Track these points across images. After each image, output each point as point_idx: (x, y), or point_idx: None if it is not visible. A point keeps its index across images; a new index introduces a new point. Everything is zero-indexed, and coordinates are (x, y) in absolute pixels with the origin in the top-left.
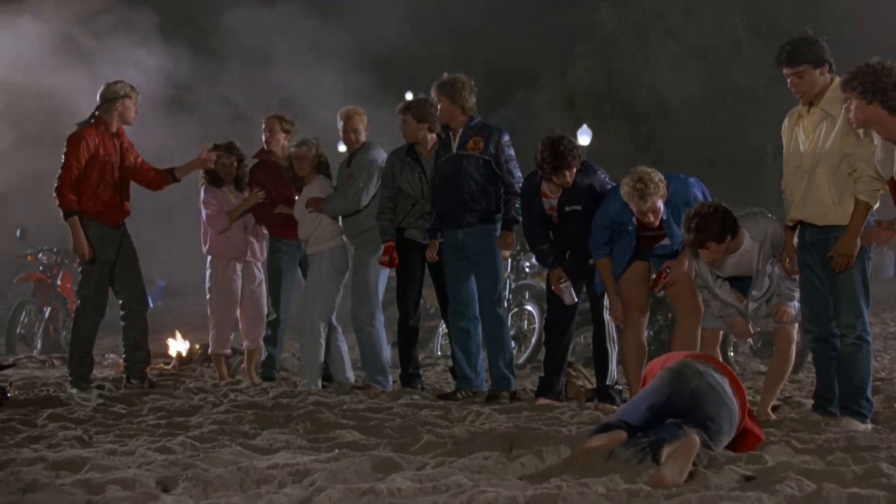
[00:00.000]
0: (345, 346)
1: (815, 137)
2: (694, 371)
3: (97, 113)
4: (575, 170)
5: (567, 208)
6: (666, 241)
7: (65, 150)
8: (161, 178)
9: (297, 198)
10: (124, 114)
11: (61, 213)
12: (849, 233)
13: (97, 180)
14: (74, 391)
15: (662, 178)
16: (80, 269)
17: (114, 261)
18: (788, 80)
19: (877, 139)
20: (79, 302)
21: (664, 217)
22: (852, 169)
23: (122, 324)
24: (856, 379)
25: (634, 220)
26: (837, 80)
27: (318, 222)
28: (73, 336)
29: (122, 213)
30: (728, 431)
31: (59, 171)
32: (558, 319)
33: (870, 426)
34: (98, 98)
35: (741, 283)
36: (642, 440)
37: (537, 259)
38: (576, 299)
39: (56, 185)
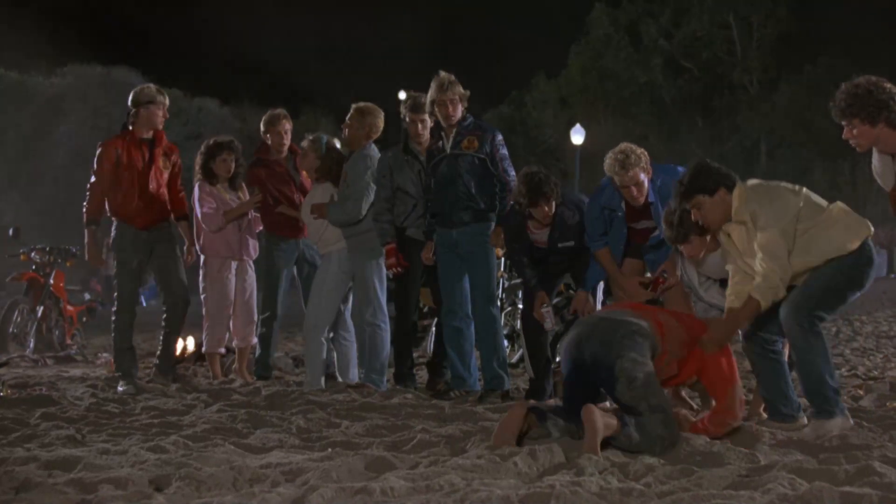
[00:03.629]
0: (354, 346)
1: (754, 248)
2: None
3: (127, 120)
4: (553, 202)
5: (560, 245)
6: (657, 233)
7: (94, 162)
8: (179, 208)
9: (297, 198)
10: (150, 119)
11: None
12: (725, 323)
13: (127, 186)
14: (121, 387)
15: (645, 153)
16: (114, 272)
17: (145, 263)
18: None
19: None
20: (115, 303)
21: (651, 200)
22: (753, 265)
23: (162, 321)
24: (808, 371)
25: (623, 205)
26: (737, 188)
27: (325, 226)
28: (114, 334)
29: (157, 216)
30: (647, 347)
31: (89, 183)
32: (532, 320)
33: (839, 420)
34: (129, 104)
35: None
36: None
37: (520, 276)
38: (555, 326)
39: (87, 195)
